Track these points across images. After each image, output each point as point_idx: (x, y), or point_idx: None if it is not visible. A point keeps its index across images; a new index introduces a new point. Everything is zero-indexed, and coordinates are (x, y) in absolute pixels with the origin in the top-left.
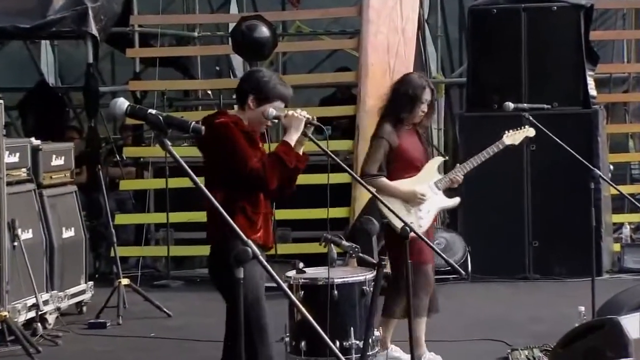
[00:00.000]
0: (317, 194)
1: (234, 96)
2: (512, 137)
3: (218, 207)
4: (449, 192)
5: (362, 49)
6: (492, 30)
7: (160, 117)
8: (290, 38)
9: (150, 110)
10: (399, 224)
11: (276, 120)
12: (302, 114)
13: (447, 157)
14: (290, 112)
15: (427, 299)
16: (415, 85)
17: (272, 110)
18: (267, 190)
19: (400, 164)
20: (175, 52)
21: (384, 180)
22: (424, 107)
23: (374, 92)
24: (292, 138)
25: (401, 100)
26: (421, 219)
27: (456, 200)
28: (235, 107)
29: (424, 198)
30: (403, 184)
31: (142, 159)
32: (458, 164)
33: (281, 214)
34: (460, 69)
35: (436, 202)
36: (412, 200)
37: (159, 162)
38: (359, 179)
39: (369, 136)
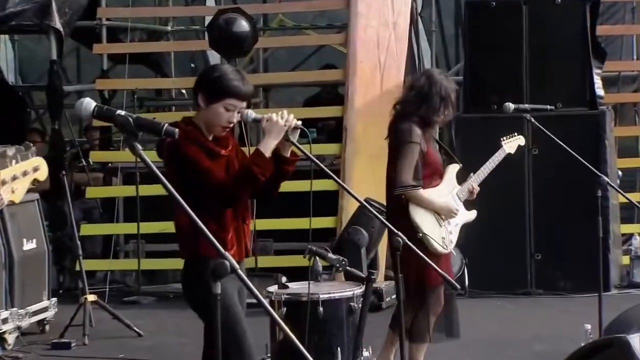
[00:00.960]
0: (300, 202)
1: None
2: (509, 145)
3: (193, 217)
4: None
5: (350, 45)
6: (491, 25)
7: (130, 119)
8: (272, 33)
9: (119, 111)
10: (436, 241)
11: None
12: (287, 118)
13: (461, 165)
14: (272, 116)
15: (434, 321)
16: (446, 86)
17: (250, 112)
18: (236, 205)
19: (428, 172)
20: (146, 48)
21: (422, 192)
22: (451, 111)
23: (363, 91)
24: (269, 146)
25: (433, 101)
26: (451, 234)
27: (474, 214)
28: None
29: (457, 212)
30: (434, 195)
31: (110, 164)
32: (472, 173)
33: (262, 224)
34: (457, 67)
35: (461, 215)
36: (447, 214)
37: (129, 167)
38: (346, 187)
39: (357, 138)
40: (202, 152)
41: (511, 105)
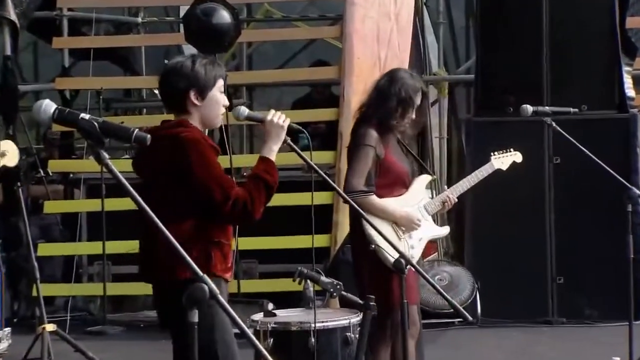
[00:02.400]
0: (288, 219)
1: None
2: (500, 161)
3: (166, 233)
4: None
5: (346, 39)
6: (506, 16)
7: (96, 123)
8: (257, 25)
9: (82, 115)
10: (392, 254)
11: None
12: (283, 118)
13: (435, 176)
14: (272, 117)
15: (413, 346)
16: (408, 86)
17: (243, 108)
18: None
19: (386, 180)
20: (113, 42)
21: (374, 198)
22: (414, 114)
23: (361, 91)
24: (274, 151)
25: (390, 102)
26: (412, 249)
27: (446, 230)
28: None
29: (420, 224)
30: (392, 204)
31: (71, 175)
32: (446, 187)
33: (245, 243)
34: (468, 64)
35: (427, 229)
36: (407, 225)
37: (93, 178)
38: (347, 197)
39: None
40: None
41: (529, 108)
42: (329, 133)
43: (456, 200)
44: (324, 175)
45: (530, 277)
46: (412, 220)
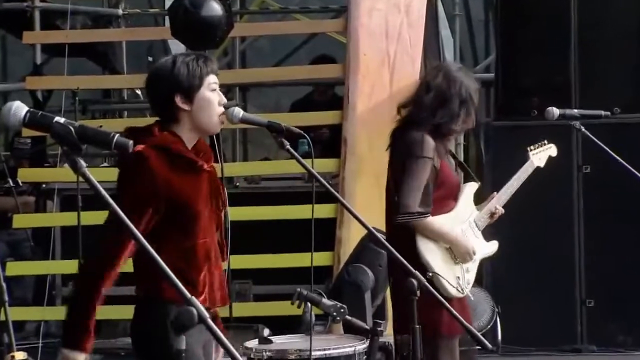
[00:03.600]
0: (285, 234)
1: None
2: (538, 157)
3: (150, 251)
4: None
5: (351, 33)
6: (530, 10)
7: (71, 128)
8: (251, 17)
9: (57, 118)
10: (449, 282)
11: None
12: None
13: (479, 183)
14: None
15: None
16: (467, 84)
17: (237, 110)
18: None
19: (439, 193)
20: (91, 37)
21: (432, 220)
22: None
23: (367, 92)
24: None
25: (453, 105)
26: (468, 273)
27: (495, 245)
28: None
29: (474, 257)
30: (447, 225)
31: (44, 185)
32: (495, 193)
33: (238, 262)
34: (487, 61)
35: (480, 247)
36: (461, 256)
37: (68, 189)
38: (352, 209)
39: (360, 153)
40: (183, 168)
41: (556, 111)
42: (332, 138)
43: (503, 210)
44: (327, 184)
45: (556, 300)
46: (467, 251)
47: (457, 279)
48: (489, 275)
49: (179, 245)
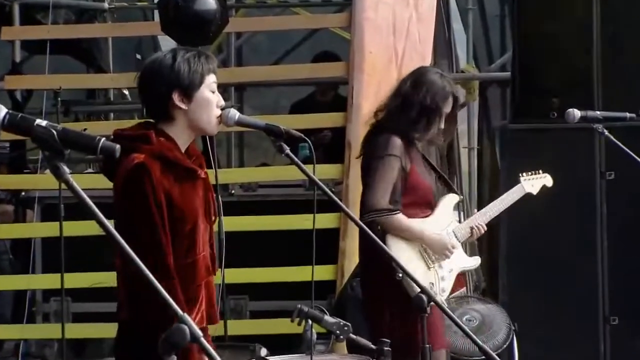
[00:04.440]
0: (285, 246)
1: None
2: (530, 183)
3: (139, 264)
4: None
5: (355, 29)
6: (549, 3)
7: (54, 131)
8: (248, 12)
9: (38, 121)
10: (414, 288)
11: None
12: None
13: (462, 196)
14: None
15: None
16: (435, 91)
17: (233, 112)
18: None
19: (410, 199)
20: (74, 33)
21: (401, 218)
22: (442, 123)
23: (373, 92)
24: None
25: (412, 111)
26: (443, 281)
27: (477, 261)
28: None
29: (453, 251)
30: (422, 225)
31: (23, 193)
32: (477, 210)
33: (233, 276)
34: (502, 59)
35: (458, 258)
36: (438, 251)
37: (50, 197)
38: (357, 220)
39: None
40: (178, 178)
41: (577, 113)
42: (335, 142)
43: (485, 228)
44: (329, 192)
45: (578, 317)
46: (445, 246)
47: (430, 284)
48: (505, 290)
49: (179, 262)
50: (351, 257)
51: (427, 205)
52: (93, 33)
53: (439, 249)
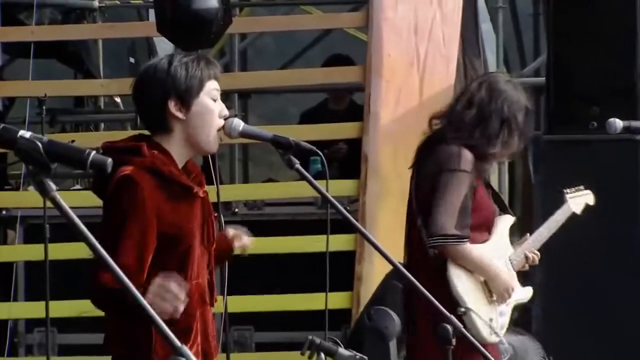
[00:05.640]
0: (294, 270)
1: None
2: (576, 202)
3: (133, 292)
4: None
5: (373, 29)
6: (588, 3)
7: (39, 143)
8: (253, 11)
9: (21, 132)
10: (482, 325)
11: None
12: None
13: (515, 217)
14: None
15: None
16: (512, 100)
17: (237, 122)
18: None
19: (475, 221)
20: (61, 34)
21: (471, 248)
22: (517, 141)
23: (393, 100)
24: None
25: (492, 122)
26: (502, 316)
27: (530, 292)
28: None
29: (512, 296)
30: (486, 255)
31: (4, 212)
32: (529, 235)
33: (237, 304)
34: (535, 64)
35: (516, 290)
36: (500, 291)
37: (34, 216)
38: (377, 244)
39: (383, 172)
40: (171, 196)
41: (619, 123)
42: (350, 155)
43: (539, 256)
44: (344, 211)
45: (622, 349)
46: (507, 288)
47: (490, 321)
48: (539, 320)
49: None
50: (368, 282)
51: (487, 229)
52: (82, 34)
53: (500, 288)
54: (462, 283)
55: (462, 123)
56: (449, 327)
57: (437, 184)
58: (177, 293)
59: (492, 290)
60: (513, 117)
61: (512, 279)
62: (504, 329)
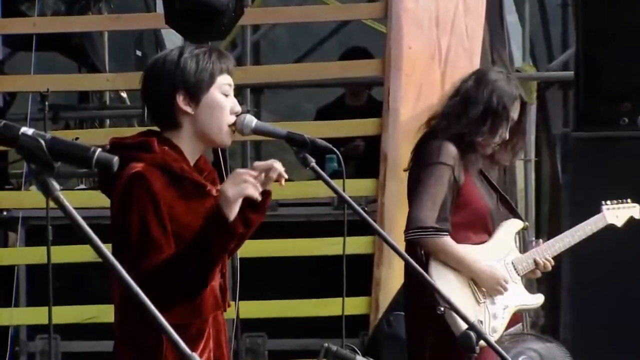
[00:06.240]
0: (309, 274)
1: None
2: (615, 213)
3: (139, 295)
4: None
5: (392, 21)
6: None
7: (42, 141)
8: (266, 1)
9: (23, 129)
10: (460, 324)
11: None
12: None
13: (527, 224)
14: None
15: None
16: (503, 90)
17: (249, 118)
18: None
19: (462, 217)
20: (64, 26)
21: (448, 241)
22: (507, 132)
23: (413, 95)
24: (234, 205)
25: (475, 110)
26: (495, 319)
27: (540, 299)
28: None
29: (506, 287)
30: (472, 253)
31: (5, 213)
32: (541, 241)
33: (249, 310)
34: (564, 56)
35: (516, 294)
36: (489, 286)
37: (36, 217)
38: (395, 245)
39: (404, 172)
40: (184, 193)
41: None
42: (369, 153)
43: (552, 263)
44: (362, 212)
45: None
46: (497, 281)
47: (478, 322)
48: (568, 328)
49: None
50: (387, 287)
51: (483, 229)
52: (86, 26)
53: (489, 283)
54: (444, 281)
55: (449, 112)
56: (472, 333)
57: (416, 179)
58: (248, 171)
59: (481, 289)
60: (502, 106)
61: (502, 274)
62: (497, 333)
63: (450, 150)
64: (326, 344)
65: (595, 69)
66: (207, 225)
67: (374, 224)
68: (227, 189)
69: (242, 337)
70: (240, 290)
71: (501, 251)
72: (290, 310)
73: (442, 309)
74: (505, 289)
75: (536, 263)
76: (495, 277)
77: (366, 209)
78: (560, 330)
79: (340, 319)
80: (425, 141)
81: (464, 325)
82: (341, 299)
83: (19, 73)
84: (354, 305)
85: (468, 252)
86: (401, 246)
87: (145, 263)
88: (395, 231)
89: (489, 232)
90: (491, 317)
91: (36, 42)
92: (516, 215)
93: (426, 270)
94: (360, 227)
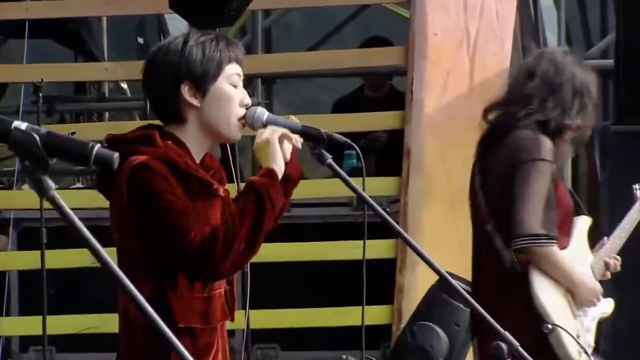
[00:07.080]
0: (326, 281)
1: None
2: None
3: (141, 302)
4: None
5: (416, 4)
6: None
7: (36, 136)
8: None
9: (16, 123)
10: (570, 343)
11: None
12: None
13: (591, 218)
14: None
15: None
16: (582, 74)
17: (260, 110)
18: (217, 278)
19: (557, 218)
20: (59, 11)
21: (557, 249)
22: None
23: (439, 86)
24: (280, 163)
25: (562, 91)
26: (588, 332)
27: (610, 304)
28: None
29: (601, 299)
30: (570, 261)
31: None
32: (606, 238)
33: (260, 319)
34: (603, 43)
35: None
36: (587, 298)
37: (29, 219)
38: (421, 250)
39: (428, 168)
40: (179, 187)
41: None
42: (391, 149)
43: (619, 262)
44: (383, 213)
45: None
46: (594, 292)
47: (578, 338)
48: (608, 339)
49: (184, 295)
50: (410, 295)
51: (565, 232)
52: (83, 11)
53: (587, 295)
54: (548, 295)
55: (530, 96)
56: (503, 345)
57: (515, 179)
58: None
59: (576, 300)
60: (586, 90)
61: (596, 284)
62: (591, 348)
63: (547, 145)
64: (345, 356)
65: (637, 58)
66: (252, 182)
67: (396, 225)
68: (259, 136)
69: (253, 349)
70: (251, 298)
71: (583, 255)
72: (305, 319)
73: (549, 326)
74: (600, 301)
75: (607, 265)
76: (593, 289)
77: (388, 209)
78: (600, 342)
79: (360, 329)
80: (505, 134)
81: (571, 347)
82: (361, 307)
83: (10, 62)
84: (375, 314)
85: (571, 263)
86: (425, 250)
87: (190, 236)
88: (420, 233)
89: (569, 234)
90: (585, 331)
91: (29, 28)
92: (581, 210)
93: (524, 281)
94: (382, 229)
